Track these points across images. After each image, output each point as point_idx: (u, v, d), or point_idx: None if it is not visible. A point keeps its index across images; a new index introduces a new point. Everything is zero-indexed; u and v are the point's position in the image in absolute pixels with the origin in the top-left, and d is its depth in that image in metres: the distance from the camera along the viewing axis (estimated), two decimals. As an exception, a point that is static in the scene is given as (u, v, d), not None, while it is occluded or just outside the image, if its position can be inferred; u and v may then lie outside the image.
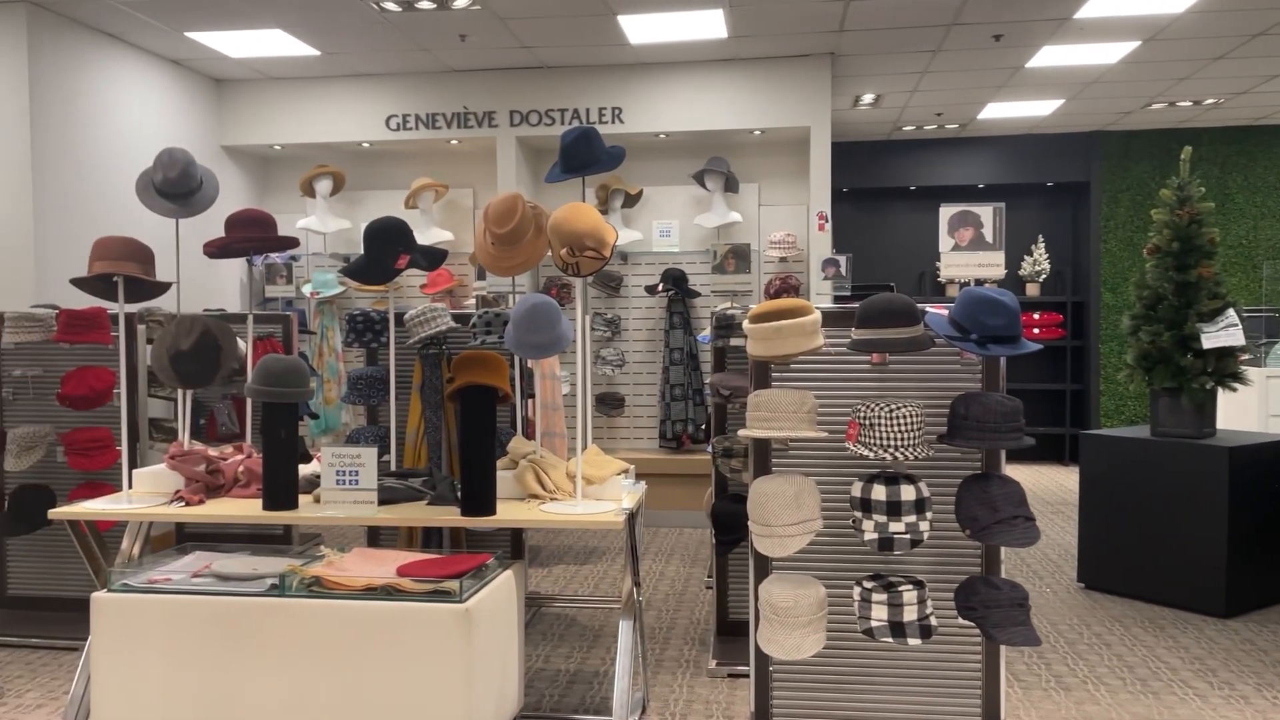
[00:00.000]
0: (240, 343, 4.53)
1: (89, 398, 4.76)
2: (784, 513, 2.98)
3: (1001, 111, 9.11)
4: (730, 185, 7.56)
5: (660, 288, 7.53)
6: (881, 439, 2.95)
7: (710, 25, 6.50)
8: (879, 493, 2.98)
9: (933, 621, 3.07)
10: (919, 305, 3.11)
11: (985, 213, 4.63)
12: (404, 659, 3.12)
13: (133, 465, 3.92)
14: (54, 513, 3.64)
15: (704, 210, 7.70)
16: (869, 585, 3.09)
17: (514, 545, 4.61)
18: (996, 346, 2.99)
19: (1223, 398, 5.62)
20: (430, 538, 4.48)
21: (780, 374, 3.34)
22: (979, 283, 4.97)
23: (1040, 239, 10.59)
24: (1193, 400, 5.35)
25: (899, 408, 2.95)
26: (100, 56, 6.47)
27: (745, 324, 3.13)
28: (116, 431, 4.73)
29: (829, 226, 7.31)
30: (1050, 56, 7.22)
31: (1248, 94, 8.46)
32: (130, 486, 3.81)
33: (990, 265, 4.64)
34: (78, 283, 3.77)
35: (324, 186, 7.71)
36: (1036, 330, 10.54)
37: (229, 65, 7.32)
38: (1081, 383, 10.59)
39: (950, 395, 3.19)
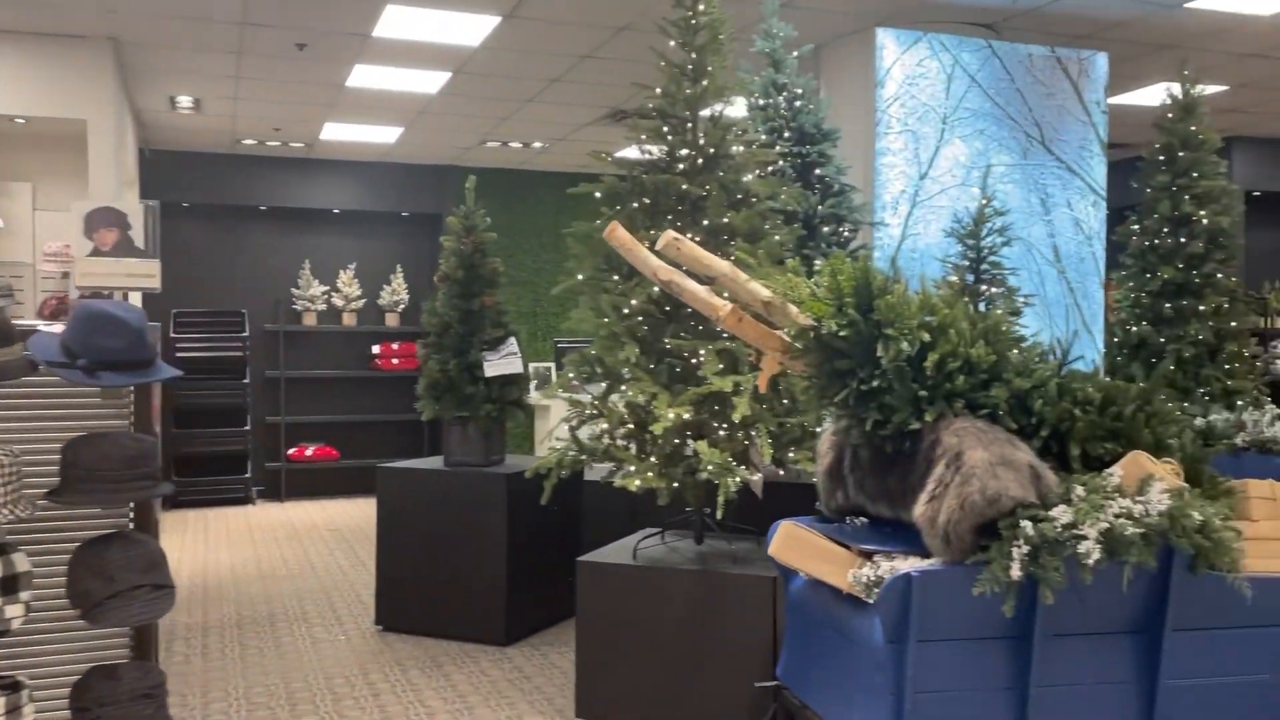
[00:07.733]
0: None
1: None
2: None
3: (344, 134, 8.79)
4: None
5: None
6: None
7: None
8: None
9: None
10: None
11: (135, 211, 4.01)
12: None
13: None
14: None
15: None
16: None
17: None
18: (111, 375, 2.38)
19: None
20: None
21: None
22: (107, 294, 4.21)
23: (399, 268, 10.53)
24: (480, 428, 5.33)
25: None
26: None
27: None
28: None
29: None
30: (364, 77, 6.97)
31: (566, 141, 9.05)
32: None
33: (142, 275, 4.02)
34: None
35: None
36: (396, 360, 10.43)
37: None
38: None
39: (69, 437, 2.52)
